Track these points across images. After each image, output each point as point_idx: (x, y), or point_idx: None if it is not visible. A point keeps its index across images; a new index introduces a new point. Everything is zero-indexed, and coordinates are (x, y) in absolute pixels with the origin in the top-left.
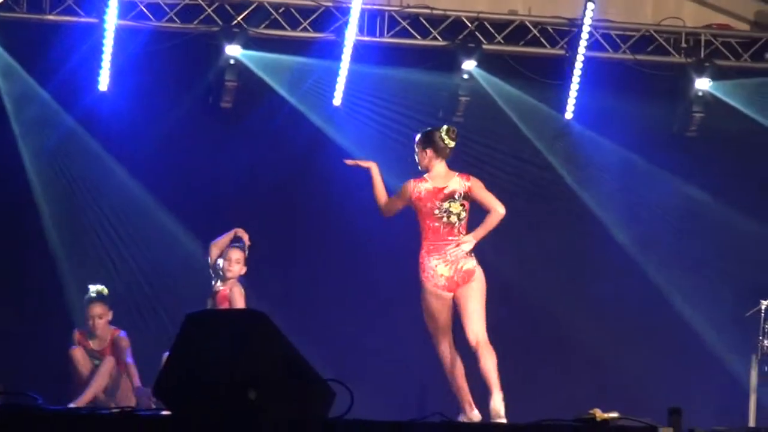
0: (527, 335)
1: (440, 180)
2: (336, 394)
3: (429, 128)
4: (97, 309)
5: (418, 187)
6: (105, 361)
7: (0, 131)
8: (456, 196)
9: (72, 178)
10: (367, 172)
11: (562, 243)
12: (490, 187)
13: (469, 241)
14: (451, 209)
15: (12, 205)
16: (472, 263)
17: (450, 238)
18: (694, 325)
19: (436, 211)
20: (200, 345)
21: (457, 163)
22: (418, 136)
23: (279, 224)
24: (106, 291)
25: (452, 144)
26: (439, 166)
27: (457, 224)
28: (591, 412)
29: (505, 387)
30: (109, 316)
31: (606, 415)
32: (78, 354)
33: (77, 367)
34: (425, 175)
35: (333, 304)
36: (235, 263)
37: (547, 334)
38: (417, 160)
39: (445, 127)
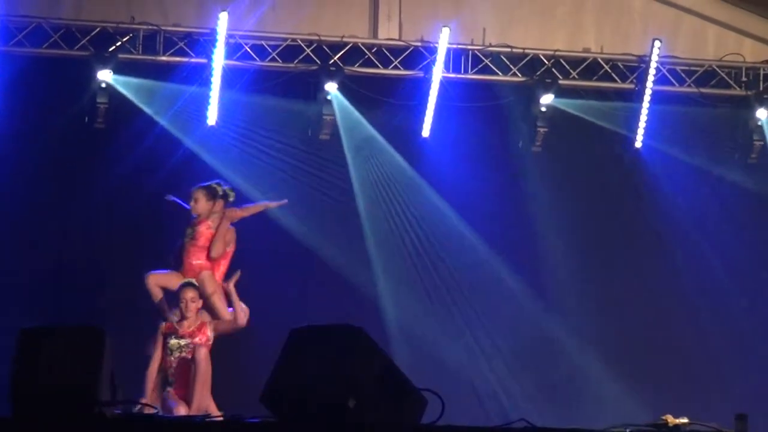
0: (605, 346)
1: None
2: (428, 402)
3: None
4: (190, 293)
5: None
6: (201, 362)
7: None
8: None
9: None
10: None
11: (636, 257)
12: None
13: None
14: None
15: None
16: None
17: None
18: (760, 331)
19: None
20: (303, 357)
21: (545, 187)
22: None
23: (371, 241)
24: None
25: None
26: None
27: None
28: (663, 417)
29: (582, 395)
30: (200, 303)
31: (677, 421)
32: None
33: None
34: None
35: (429, 317)
36: None
37: (620, 342)
38: (199, 206)
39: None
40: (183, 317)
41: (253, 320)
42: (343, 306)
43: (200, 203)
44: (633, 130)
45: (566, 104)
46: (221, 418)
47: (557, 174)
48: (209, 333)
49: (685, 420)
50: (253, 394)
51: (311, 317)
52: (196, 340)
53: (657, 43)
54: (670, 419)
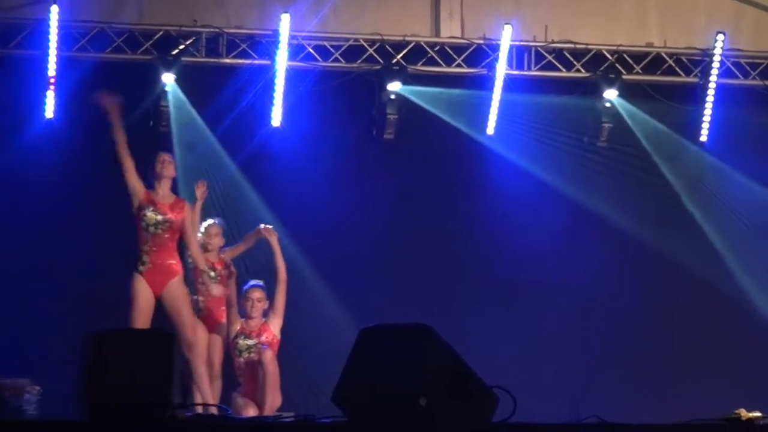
0: (669, 340)
1: None
2: (499, 399)
3: None
4: (257, 293)
5: None
6: (268, 364)
7: None
8: None
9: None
10: None
11: (689, 254)
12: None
13: None
14: None
15: None
16: None
17: None
18: None
19: None
20: (373, 357)
21: (608, 182)
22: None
23: (434, 242)
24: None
25: None
26: None
27: None
28: (736, 411)
29: (654, 389)
30: (266, 304)
31: (750, 414)
32: None
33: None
34: None
35: (488, 314)
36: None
37: (688, 337)
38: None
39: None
40: (249, 317)
41: (322, 321)
42: (412, 305)
43: (219, 238)
44: (698, 122)
45: (625, 108)
46: (292, 419)
47: (620, 168)
48: (275, 331)
49: (758, 414)
50: (324, 394)
51: (380, 317)
52: (263, 338)
53: (720, 36)
54: (743, 413)
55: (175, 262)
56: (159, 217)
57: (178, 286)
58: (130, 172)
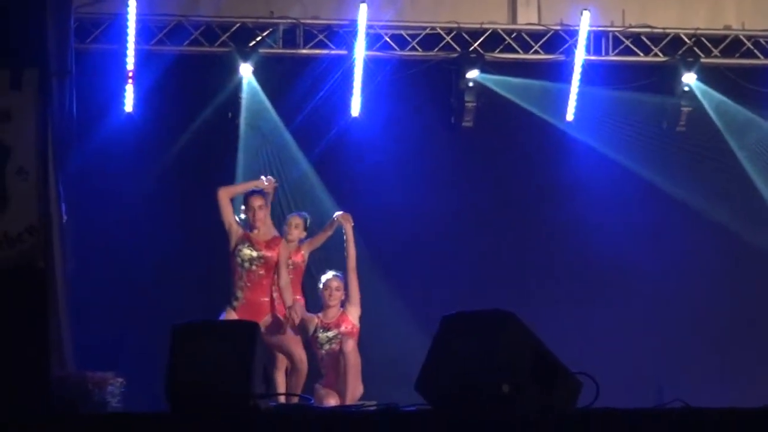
0: (753, 323)
1: None
2: (582, 385)
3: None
4: (335, 282)
5: None
6: (350, 354)
7: None
8: None
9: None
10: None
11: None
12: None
13: None
14: None
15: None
16: None
17: None
18: None
19: None
20: (456, 344)
21: (689, 167)
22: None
23: (515, 229)
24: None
25: None
26: None
27: None
28: None
29: (737, 373)
30: (343, 293)
31: None
32: None
33: None
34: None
35: (568, 302)
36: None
37: None
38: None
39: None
40: (326, 306)
41: (403, 310)
42: (493, 293)
43: (299, 230)
44: None
45: (703, 91)
46: (375, 407)
47: (700, 152)
48: (353, 320)
49: None
50: (406, 383)
51: (460, 305)
52: (342, 328)
53: None
54: None
55: (267, 300)
56: (255, 254)
57: (271, 324)
58: (228, 214)
